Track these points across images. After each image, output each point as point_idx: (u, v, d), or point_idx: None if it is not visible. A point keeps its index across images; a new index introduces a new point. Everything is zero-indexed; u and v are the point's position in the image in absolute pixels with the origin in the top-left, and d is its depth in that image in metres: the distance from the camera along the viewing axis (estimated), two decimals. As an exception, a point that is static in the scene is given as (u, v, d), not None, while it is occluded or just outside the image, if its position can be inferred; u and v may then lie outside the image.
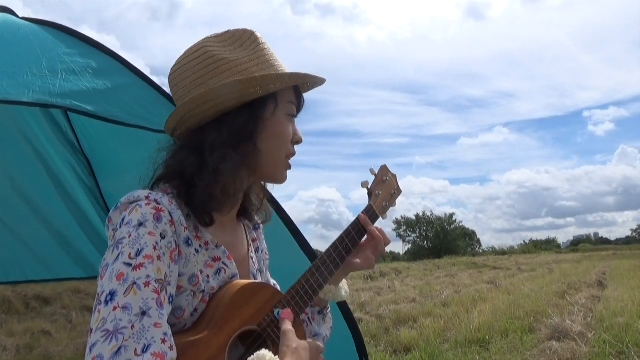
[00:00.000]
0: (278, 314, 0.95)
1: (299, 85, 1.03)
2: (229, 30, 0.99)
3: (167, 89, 1.90)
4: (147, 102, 1.76)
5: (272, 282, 1.20)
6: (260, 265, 1.13)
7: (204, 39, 0.99)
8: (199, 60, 0.95)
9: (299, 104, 1.04)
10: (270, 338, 0.95)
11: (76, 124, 2.81)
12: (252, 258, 1.09)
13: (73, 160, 2.94)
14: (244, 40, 0.98)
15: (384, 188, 1.22)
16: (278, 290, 1.02)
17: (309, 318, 1.18)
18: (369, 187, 1.21)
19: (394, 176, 1.25)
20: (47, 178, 2.94)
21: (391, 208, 1.25)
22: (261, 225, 1.18)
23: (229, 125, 0.93)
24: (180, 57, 0.98)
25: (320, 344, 0.99)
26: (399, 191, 1.26)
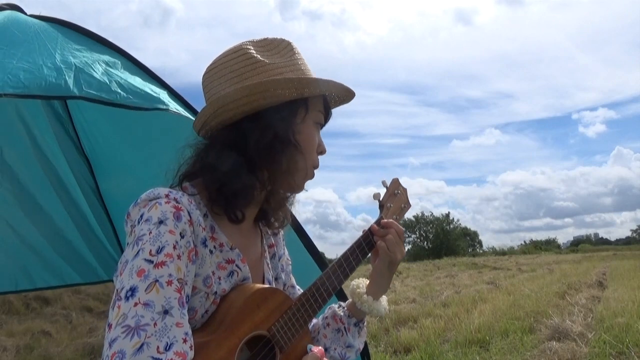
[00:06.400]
0: (310, 349, 0.96)
1: (328, 99, 1.04)
2: (267, 38, 1.01)
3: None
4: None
5: (297, 287, 1.20)
6: (277, 272, 1.12)
7: (243, 42, 1.00)
8: (238, 60, 0.96)
9: (327, 115, 1.05)
10: (279, 344, 0.95)
11: (78, 123, 2.80)
12: (267, 264, 1.08)
13: (75, 159, 2.91)
14: (280, 48, 1.00)
15: (395, 201, 1.22)
16: (289, 296, 1.01)
17: (345, 328, 1.16)
18: (381, 199, 1.20)
19: (405, 190, 1.25)
20: (51, 179, 2.90)
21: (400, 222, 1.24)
22: (281, 232, 1.17)
23: (265, 124, 0.93)
24: (219, 56, 1.00)
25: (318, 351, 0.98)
26: (408, 205, 1.25)
